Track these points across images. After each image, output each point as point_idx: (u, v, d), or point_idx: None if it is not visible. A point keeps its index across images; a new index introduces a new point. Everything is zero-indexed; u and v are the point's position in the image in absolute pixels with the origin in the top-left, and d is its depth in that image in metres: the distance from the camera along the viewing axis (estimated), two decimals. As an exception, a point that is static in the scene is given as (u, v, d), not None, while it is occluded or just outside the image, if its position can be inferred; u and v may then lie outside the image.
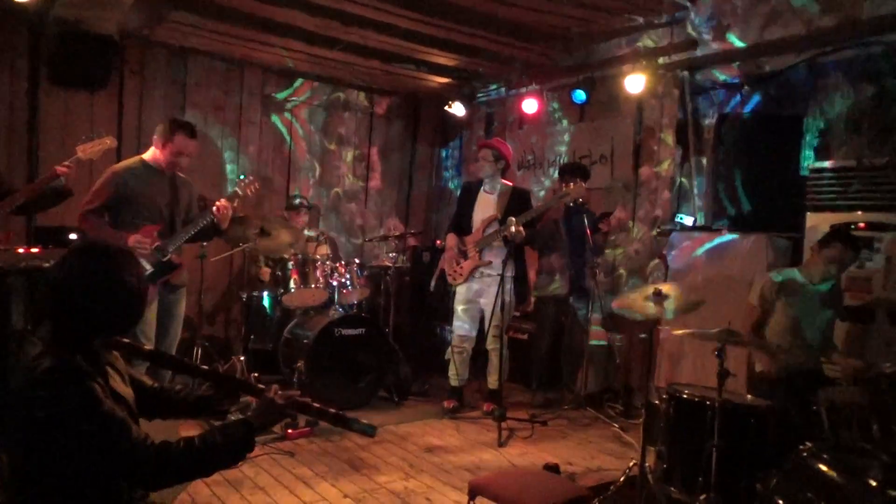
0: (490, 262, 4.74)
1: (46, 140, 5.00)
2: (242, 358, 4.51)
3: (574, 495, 2.60)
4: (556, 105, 6.16)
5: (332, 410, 1.87)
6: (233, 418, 1.84)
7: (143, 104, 5.40)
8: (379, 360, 4.91)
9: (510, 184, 4.98)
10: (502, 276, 4.41)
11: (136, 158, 3.80)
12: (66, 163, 3.67)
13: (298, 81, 6.23)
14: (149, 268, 3.57)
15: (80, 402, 1.54)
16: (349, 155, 6.62)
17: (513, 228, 4.37)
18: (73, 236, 4.48)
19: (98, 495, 1.61)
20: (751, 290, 3.74)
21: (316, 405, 1.87)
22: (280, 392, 1.83)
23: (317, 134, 6.39)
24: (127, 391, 1.82)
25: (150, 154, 3.77)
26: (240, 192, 3.94)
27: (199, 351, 4.66)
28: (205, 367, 1.95)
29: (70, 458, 1.55)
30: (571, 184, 4.60)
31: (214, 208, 3.76)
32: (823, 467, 2.53)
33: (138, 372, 1.99)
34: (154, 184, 3.74)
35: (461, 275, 4.84)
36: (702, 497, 2.90)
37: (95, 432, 1.53)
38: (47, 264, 3.94)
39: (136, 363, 2.60)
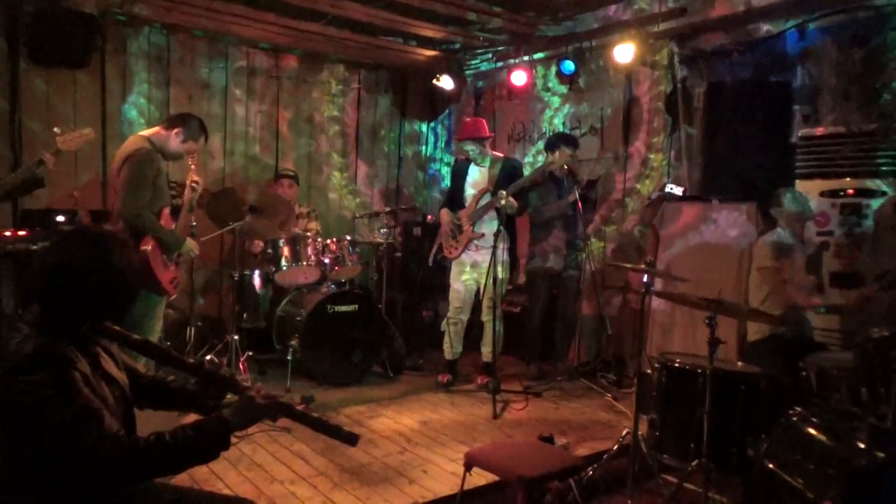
0: (482, 235, 4.76)
1: (30, 121, 4.92)
2: (236, 337, 4.51)
3: (568, 464, 2.63)
4: (545, 76, 6.11)
5: (315, 415, 1.83)
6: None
7: (127, 82, 5.32)
8: (372, 335, 4.93)
9: (501, 155, 4.97)
10: (494, 248, 4.42)
11: (143, 139, 3.66)
12: (49, 154, 3.62)
13: (286, 58, 6.14)
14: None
15: (55, 390, 1.52)
16: (337, 130, 6.55)
17: (503, 201, 4.40)
18: (60, 219, 4.44)
19: (75, 485, 1.59)
20: (754, 257, 3.77)
21: (299, 408, 1.82)
22: (263, 392, 1.78)
23: (305, 110, 6.32)
24: (120, 375, 1.81)
25: (156, 136, 3.69)
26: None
27: (193, 331, 4.66)
28: (191, 360, 1.91)
29: (42, 446, 1.53)
30: (557, 152, 4.64)
31: (195, 184, 3.87)
32: (813, 431, 2.57)
33: (132, 359, 1.97)
34: (162, 165, 3.75)
35: (457, 248, 4.87)
36: (694, 463, 2.95)
37: (66, 421, 1.51)
38: (35, 247, 3.92)
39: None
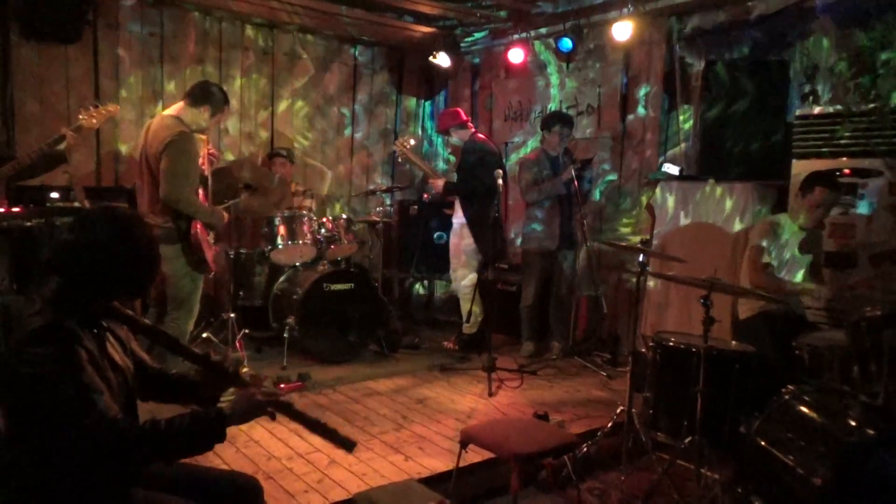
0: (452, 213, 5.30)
1: (22, 96, 4.85)
2: (232, 315, 4.52)
3: (563, 441, 2.66)
4: (542, 54, 6.06)
5: (313, 417, 1.82)
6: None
7: (120, 58, 5.25)
8: (369, 314, 4.94)
9: (470, 134, 5.21)
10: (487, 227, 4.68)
11: (175, 120, 3.62)
12: (70, 130, 3.68)
13: (280, 33, 6.06)
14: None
15: (59, 365, 1.53)
16: (333, 107, 6.50)
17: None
18: (54, 195, 4.41)
19: (72, 462, 1.60)
20: (751, 233, 3.77)
21: (298, 409, 1.81)
22: (264, 388, 1.79)
23: (300, 87, 6.26)
24: (126, 363, 1.82)
25: (184, 114, 3.66)
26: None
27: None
28: (197, 351, 1.92)
29: (41, 420, 1.54)
30: (552, 131, 4.92)
31: (213, 157, 3.99)
32: (805, 409, 2.60)
33: (141, 347, 1.98)
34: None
35: None
36: (687, 440, 2.98)
37: (66, 397, 1.51)
38: (30, 223, 3.91)
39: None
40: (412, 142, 5.42)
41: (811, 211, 3.59)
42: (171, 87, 5.44)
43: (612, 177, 5.48)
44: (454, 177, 5.30)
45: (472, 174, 4.96)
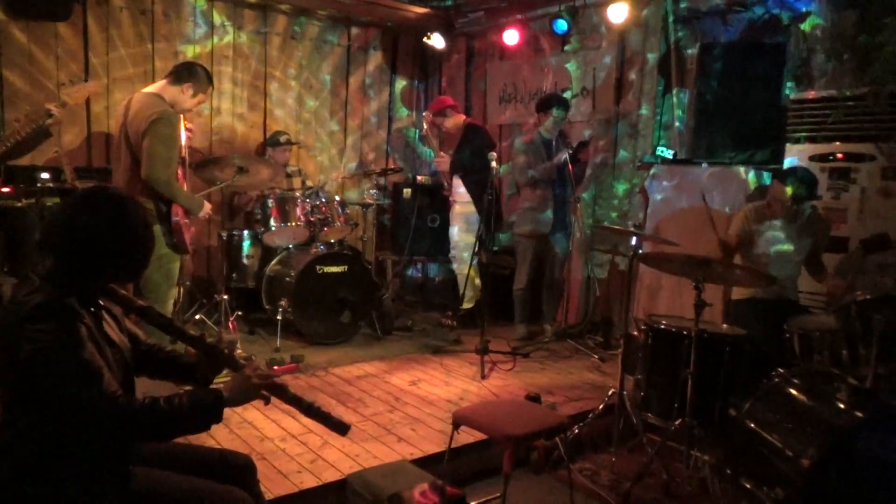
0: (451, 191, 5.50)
1: (11, 74, 4.79)
2: (226, 297, 4.51)
3: (555, 423, 2.68)
4: (537, 35, 6.01)
5: (308, 401, 1.82)
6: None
7: (110, 36, 5.18)
8: (362, 296, 4.94)
9: (463, 120, 5.45)
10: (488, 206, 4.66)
11: (157, 98, 3.49)
12: (53, 107, 3.63)
13: (273, 13, 5.99)
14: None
15: (61, 341, 1.54)
16: (326, 88, 6.45)
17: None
18: (44, 175, 4.37)
19: (71, 438, 1.61)
20: (731, 223, 3.79)
21: (292, 392, 1.81)
22: (259, 372, 1.80)
23: (293, 68, 6.20)
24: (122, 339, 1.82)
25: (166, 93, 3.53)
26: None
27: (182, 291, 4.64)
28: (192, 332, 1.92)
29: (42, 396, 1.55)
30: (549, 116, 4.94)
31: (190, 133, 3.93)
32: (794, 391, 2.63)
33: (133, 323, 1.98)
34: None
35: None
36: (677, 422, 3.01)
37: (67, 373, 1.52)
38: (20, 203, 3.88)
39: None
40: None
41: (775, 200, 3.64)
42: (162, 66, 5.37)
43: (606, 160, 5.47)
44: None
45: (469, 156, 5.17)
